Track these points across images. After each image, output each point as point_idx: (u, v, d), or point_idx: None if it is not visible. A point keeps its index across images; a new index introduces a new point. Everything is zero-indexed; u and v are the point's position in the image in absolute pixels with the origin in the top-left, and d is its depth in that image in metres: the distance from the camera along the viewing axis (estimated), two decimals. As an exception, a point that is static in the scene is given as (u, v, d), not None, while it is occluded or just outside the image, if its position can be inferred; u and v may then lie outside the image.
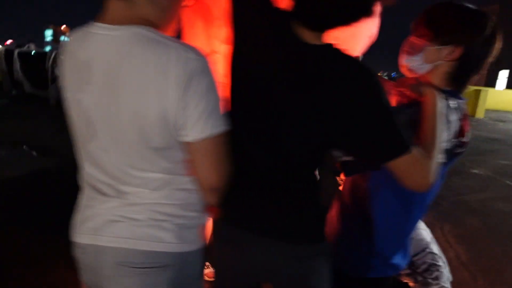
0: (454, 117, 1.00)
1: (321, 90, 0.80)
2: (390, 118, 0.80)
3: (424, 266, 1.58)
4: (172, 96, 0.80)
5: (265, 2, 0.89)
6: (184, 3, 0.96)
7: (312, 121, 0.82)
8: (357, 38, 1.22)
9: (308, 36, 0.83)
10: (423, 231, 1.66)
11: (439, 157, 0.90)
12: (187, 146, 0.87)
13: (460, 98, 1.07)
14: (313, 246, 0.93)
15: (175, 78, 0.78)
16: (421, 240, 1.61)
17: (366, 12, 0.79)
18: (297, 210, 0.92)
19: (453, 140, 1.06)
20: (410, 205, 1.03)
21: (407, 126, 0.94)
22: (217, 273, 1.02)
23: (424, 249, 1.60)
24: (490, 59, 1.04)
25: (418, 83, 1.00)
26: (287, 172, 0.90)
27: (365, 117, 0.80)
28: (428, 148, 0.88)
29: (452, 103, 1.02)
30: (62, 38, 11.53)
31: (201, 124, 0.82)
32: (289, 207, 0.92)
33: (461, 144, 1.11)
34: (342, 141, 0.85)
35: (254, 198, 0.94)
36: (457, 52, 1.01)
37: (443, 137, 0.97)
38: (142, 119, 0.82)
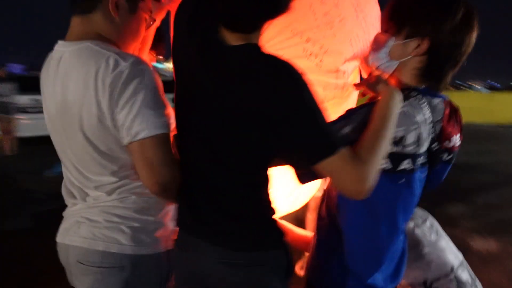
0: (422, 118, 0.88)
1: (244, 91, 0.78)
2: (313, 117, 0.75)
3: None
4: (105, 101, 0.85)
5: (197, 8, 0.89)
6: (145, 23, 1.02)
7: (241, 124, 0.80)
8: (339, 39, 1.15)
9: (231, 38, 0.82)
10: (449, 254, 1.45)
11: (382, 162, 0.81)
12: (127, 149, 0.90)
13: (437, 97, 0.94)
14: (254, 255, 0.88)
15: (107, 84, 0.84)
16: (444, 264, 1.41)
17: (280, 8, 0.77)
18: (237, 217, 0.89)
19: (433, 145, 0.93)
20: (376, 217, 0.91)
21: (359, 127, 0.85)
22: (175, 276, 1.02)
23: (447, 274, 1.40)
24: (468, 48, 0.90)
25: (377, 81, 0.90)
26: (227, 178, 0.88)
27: (285, 117, 0.75)
28: (368, 150, 0.79)
29: (423, 102, 0.90)
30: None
31: (130, 127, 0.85)
32: (229, 213, 0.89)
33: (448, 150, 0.97)
34: (269, 145, 0.80)
35: (198, 203, 0.93)
36: (424, 44, 0.90)
37: (408, 141, 0.86)
38: (85, 123, 0.89)
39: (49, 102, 0.98)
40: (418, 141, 0.87)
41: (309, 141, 0.76)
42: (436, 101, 0.93)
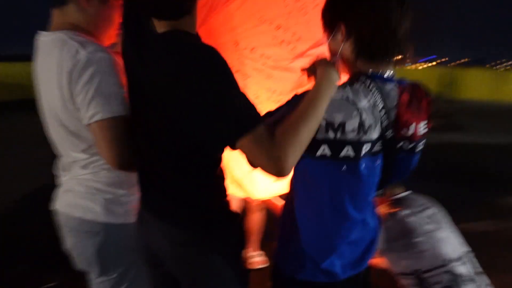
0: (367, 104, 0.86)
1: (167, 76, 0.83)
2: (227, 99, 0.78)
3: (438, 286, 1.33)
4: (65, 85, 0.96)
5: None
6: (118, 12, 1.10)
7: (169, 109, 0.86)
8: (314, 25, 1.13)
9: (160, 26, 0.88)
10: (447, 245, 1.38)
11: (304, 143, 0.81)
12: None
13: (391, 82, 0.90)
14: (199, 235, 0.93)
15: (66, 69, 0.95)
16: (439, 255, 1.34)
17: None
18: (183, 197, 0.94)
19: (387, 133, 0.90)
20: (321, 203, 0.92)
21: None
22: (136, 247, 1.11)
23: (440, 266, 1.34)
24: (391, 20, 0.86)
25: (314, 63, 0.90)
26: (170, 160, 0.93)
27: (202, 100, 0.79)
28: (287, 131, 0.79)
29: (371, 87, 0.88)
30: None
31: (87, 110, 0.96)
32: (175, 194, 0.95)
33: (408, 138, 0.93)
34: (195, 128, 0.85)
35: (149, 181, 1.00)
36: (344, 28, 0.91)
37: (348, 128, 0.84)
38: (54, 106, 1.02)
39: (38, 88, 1.13)
40: (360, 128, 0.85)
41: (223, 122, 0.79)
42: (390, 86, 0.90)
